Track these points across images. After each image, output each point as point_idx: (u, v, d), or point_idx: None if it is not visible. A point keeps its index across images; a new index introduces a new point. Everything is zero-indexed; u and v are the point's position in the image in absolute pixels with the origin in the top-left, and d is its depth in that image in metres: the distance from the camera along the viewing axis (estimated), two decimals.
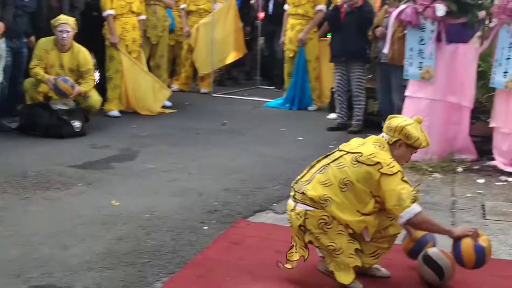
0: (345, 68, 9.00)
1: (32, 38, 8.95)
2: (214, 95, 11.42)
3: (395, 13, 7.61)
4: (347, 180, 4.26)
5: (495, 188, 6.71)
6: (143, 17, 9.96)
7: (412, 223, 4.24)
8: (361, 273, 4.50)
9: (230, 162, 7.47)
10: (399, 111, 7.95)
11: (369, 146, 4.35)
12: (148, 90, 9.85)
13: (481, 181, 6.92)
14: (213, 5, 11.39)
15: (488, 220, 5.77)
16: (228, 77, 12.78)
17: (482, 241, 4.28)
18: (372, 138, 4.45)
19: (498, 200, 6.33)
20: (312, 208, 4.32)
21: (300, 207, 4.36)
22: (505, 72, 6.95)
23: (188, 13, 11.55)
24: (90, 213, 5.66)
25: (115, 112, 9.65)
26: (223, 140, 8.50)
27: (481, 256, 4.27)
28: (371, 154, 4.26)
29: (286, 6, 10.53)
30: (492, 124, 7.33)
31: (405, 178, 4.23)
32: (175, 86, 11.69)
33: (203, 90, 11.70)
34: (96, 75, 9.91)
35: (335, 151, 4.51)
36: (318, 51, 10.36)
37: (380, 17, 8.52)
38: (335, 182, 4.30)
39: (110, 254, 4.80)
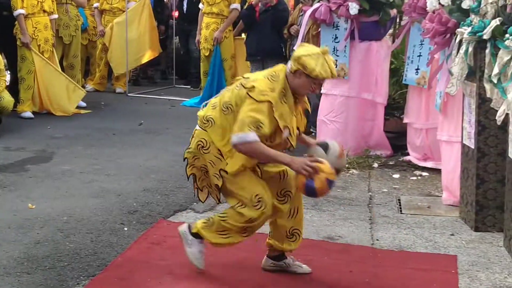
0: (261, 66, 9.04)
1: None
2: (130, 94, 11.33)
3: (309, 11, 7.71)
4: (229, 103, 4.31)
5: (410, 182, 6.88)
6: (55, 16, 9.80)
7: (242, 151, 4.21)
8: (282, 270, 4.56)
9: (148, 162, 7.43)
10: (314, 108, 8.07)
11: (261, 73, 4.44)
12: (62, 90, 9.69)
13: (396, 176, 7.09)
14: (127, 4, 11.29)
15: (404, 214, 5.92)
16: (143, 76, 12.69)
17: (317, 180, 4.18)
18: (276, 66, 4.43)
19: (413, 194, 6.50)
20: (199, 128, 4.50)
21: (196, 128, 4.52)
22: (417, 69, 7.12)
23: (102, 12, 11.42)
24: (5, 217, 5.54)
25: (28, 114, 9.46)
26: (140, 140, 8.44)
27: (311, 194, 4.29)
28: (254, 79, 4.30)
29: (201, 5, 10.53)
30: (405, 120, 7.51)
31: (276, 115, 4.18)
32: (89, 86, 11.54)
33: (118, 90, 11.59)
34: (8, 76, 9.69)
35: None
36: (233, 50, 10.40)
37: (295, 15, 8.63)
38: (220, 104, 4.36)
39: (28, 258, 4.72)
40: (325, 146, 4.46)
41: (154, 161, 7.47)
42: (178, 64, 12.41)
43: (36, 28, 9.50)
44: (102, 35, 11.34)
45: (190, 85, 11.97)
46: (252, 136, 4.14)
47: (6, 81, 8.80)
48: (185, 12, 11.94)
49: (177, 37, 12.53)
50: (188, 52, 12.00)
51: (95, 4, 11.36)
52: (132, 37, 11.32)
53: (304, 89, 4.32)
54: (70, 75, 10.25)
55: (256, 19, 9.00)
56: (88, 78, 11.88)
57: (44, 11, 9.57)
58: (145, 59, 11.79)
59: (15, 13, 9.33)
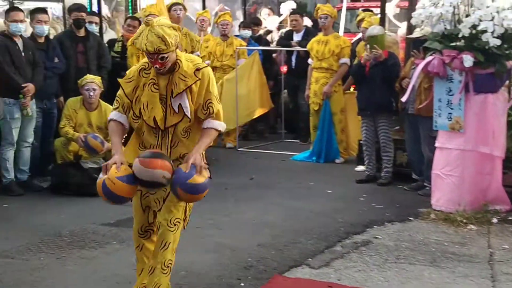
0: (372, 121, 9.00)
1: (61, 99, 9.06)
2: (240, 149, 11.45)
3: (421, 64, 7.65)
4: None
5: None
6: None
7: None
8: None
9: (261, 216, 7.46)
10: (428, 162, 7.96)
11: None
12: None
13: None
14: (237, 61, 11.48)
15: None
16: (253, 131, 12.82)
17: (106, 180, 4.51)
18: None
19: None
20: None
21: None
22: None
23: (213, 69, 11.60)
24: (126, 272, 5.66)
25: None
26: (253, 194, 8.49)
27: None
28: None
29: (310, 60, 10.61)
30: None
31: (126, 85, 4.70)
32: None
33: (228, 145, 11.73)
34: None
35: None
36: (343, 104, 10.39)
37: (407, 68, 8.56)
38: None
39: None
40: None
41: (267, 216, 7.49)
42: (287, 119, 12.48)
43: None
44: None
45: (299, 139, 11.99)
46: (113, 114, 4.75)
47: None
48: (293, 67, 12.04)
49: (286, 91, 12.63)
50: (297, 106, 12.07)
51: (206, 62, 11.60)
52: (242, 93, 11.47)
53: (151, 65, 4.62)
54: None
55: (366, 74, 8.98)
56: None
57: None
58: (255, 115, 11.90)
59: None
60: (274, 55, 12.94)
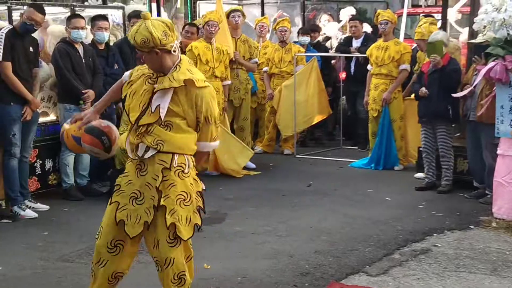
0: (431, 128, 8.87)
1: (120, 105, 9.15)
2: (297, 156, 11.41)
3: (483, 70, 7.51)
4: None
5: None
6: (227, 82, 10.08)
7: None
8: None
9: (318, 223, 7.41)
10: (490, 170, 7.81)
11: None
12: (230, 151, 9.89)
13: None
14: (295, 67, 11.45)
15: None
16: (311, 138, 12.77)
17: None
18: None
19: None
20: None
21: None
22: None
23: (271, 75, 11.65)
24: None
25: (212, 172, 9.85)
26: (310, 201, 8.45)
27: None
28: None
29: (369, 66, 10.53)
30: None
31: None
32: (258, 148, 11.75)
33: (286, 151, 11.70)
34: None
35: None
36: (402, 110, 10.26)
37: (469, 75, 8.41)
38: None
39: None
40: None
41: (324, 223, 7.44)
42: (345, 125, 12.41)
43: None
44: (271, 98, 11.55)
45: (358, 146, 11.91)
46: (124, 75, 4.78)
47: None
48: (352, 73, 11.97)
49: (344, 98, 12.55)
50: (356, 113, 11.99)
51: (265, 68, 11.61)
52: (300, 100, 11.44)
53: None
54: (240, 137, 10.49)
55: (424, 82, 8.86)
56: (257, 140, 12.08)
57: (216, 76, 9.87)
58: (313, 121, 11.85)
59: None
60: (332, 61, 12.88)
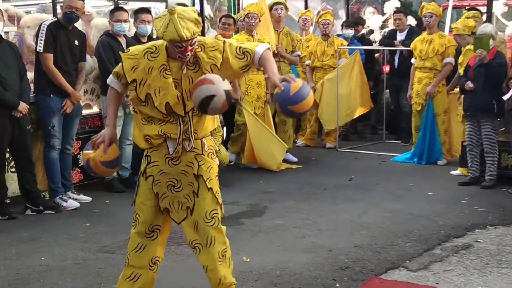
0: (476, 123, 8.75)
1: None
2: (339, 150, 11.36)
3: None
4: None
5: None
6: None
7: None
8: None
9: (359, 217, 7.37)
10: None
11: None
12: (267, 145, 9.85)
13: None
14: (338, 60, 11.39)
15: None
16: (353, 131, 12.70)
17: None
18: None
19: None
20: None
21: None
22: None
23: (313, 69, 11.61)
24: None
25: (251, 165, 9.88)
26: (351, 195, 8.40)
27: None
28: None
29: (413, 60, 10.42)
30: None
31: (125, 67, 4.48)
32: (300, 141, 11.73)
33: (328, 145, 11.66)
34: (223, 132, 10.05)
35: None
36: (446, 104, 10.14)
37: None
38: None
39: None
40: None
41: (365, 217, 7.40)
42: (388, 119, 12.31)
43: (248, 85, 9.83)
44: (313, 91, 11.50)
45: (401, 140, 11.81)
46: (110, 79, 4.61)
47: (222, 136, 9.12)
48: (396, 66, 11.87)
49: (388, 91, 12.46)
50: (399, 106, 11.89)
51: (307, 62, 11.57)
52: (343, 93, 11.38)
53: (173, 54, 4.37)
54: (282, 130, 10.48)
55: (470, 75, 8.74)
56: (299, 133, 12.07)
57: (258, 69, 9.85)
58: (356, 114, 11.80)
59: None
60: (376, 55, 12.79)
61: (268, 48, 4.56)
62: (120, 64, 4.54)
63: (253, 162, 9.90)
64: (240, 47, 4.51)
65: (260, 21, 9.95)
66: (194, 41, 4.35)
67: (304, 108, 4.32)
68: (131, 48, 4.61)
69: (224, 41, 4.52)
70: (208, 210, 4.61)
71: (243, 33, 9.98)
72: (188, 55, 4.36)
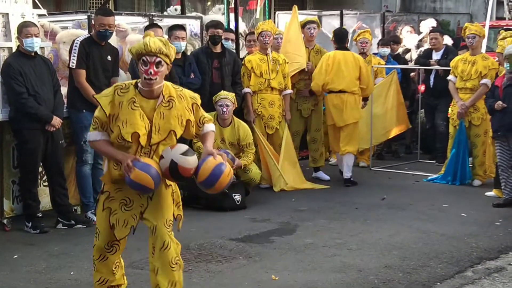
0: (506, 143, 8.64)
1: None
2: (373, 169, 11.28)
3: None
4: None
5: None
6: (288, 91, 9.92)
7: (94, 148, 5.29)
8: None
9: (390, 238, 7.30)
10: None
11: None
12: (275, 171, 9.75)
13: None
14: (374, 79, 11.32)
15: None
16: (387, 150, 12.61)
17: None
18: None
19: None
20: None
21: None
22: None
23: None
24: (249, 287, 5.65)
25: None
26: (383, 215, 8.33)
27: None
28: None
29: (451, 76, 10.22)
30: None
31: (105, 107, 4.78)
32: (333, 160, 11.66)
33: (362, 164, 11.58)
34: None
35: None
36: (487, 125, 9.93)
37: None
38: None
39: None
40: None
41: (397, 237, 7.32)
42: (424, 139, 12.21)
43: (260, 104, 9.76)
44: None
45: (436, 160, 11.68)
46: (92, 135, 4.89)
47: (254, 154, 9.10)
48: (431, 86, 11.78)
49: (423, 111, 12.36)
50: (434, 126, 11.78)
51: None
52: (378, 112, 11.30)
53: (143, 83, 4.77)
54: (313, 149, 10.44)
55: (499, 95, 8.64)
56: (332, 152, 11.99)
57: (272, 88, 9.80)
58: (392, 134, 11.68)
59: (242, 91, 9.69)
60: (412, 74, 12.71)
61: (213, 131, 5.12)
62: (99, 109, 4.86)
63: (268, 183, 9.83)
64: (202, 118, 5.00)
65: (273, 38, 9.92)
66: (158, 60, 4.73)
67: (219, 188, 4.92)
68: (104, 91, 5.00)
69: (197, 105, 4.96)
70: (167, 219, 4.93)
71: (257, 52, 9.92)
72: (153, 78, 4.72)
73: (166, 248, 4.87)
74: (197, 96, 5.01)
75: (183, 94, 4.91)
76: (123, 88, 4.83)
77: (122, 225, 4.95)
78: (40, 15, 8.16)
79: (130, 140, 4.75)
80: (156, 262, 4.91)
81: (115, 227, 4.96)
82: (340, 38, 10.45)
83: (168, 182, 4.96)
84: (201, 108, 5.00)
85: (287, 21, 10.83)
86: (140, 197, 4.90)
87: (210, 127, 5.05)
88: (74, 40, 7.80)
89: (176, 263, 4.91)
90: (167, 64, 4.79)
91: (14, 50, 7.55)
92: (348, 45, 12.77)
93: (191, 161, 4.77)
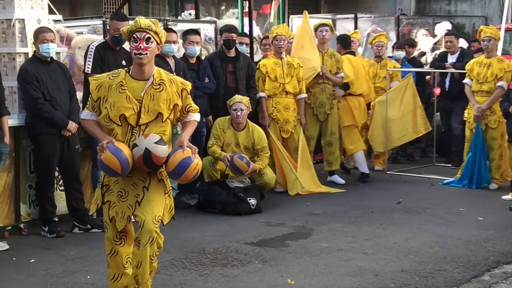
0: None
1: (210, 118, 9.23)
2: (388, 172, 11.24)
3: None
4: None
5: None
6: (302, 96, 9.92)
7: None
8: None
9: (406, 242, 7.26)
10: None
11: None
12: (291, 175, 9.72)
13: None
14: (390, 83, 11.28)
15: None
16: (403, 154, 12.57)
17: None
18: None
19: None
20: None
21: None
22: None
23: None
24: None
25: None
26: (399, 219, 8.29)
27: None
28: None
29: (467, 80, 10.19)
30: None
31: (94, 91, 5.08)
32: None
33: (377, 167, 11.55)
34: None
35: None
36: (504, 128, 9.90)
37: None
38: None
39: None
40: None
41: (413, 241, 7.29)
42: (439, 142, 12.17)
43: (275, 108, 9.75)
44: None
45: (451, 163, 11.64)
46: (83, 114, 5.21)
47: (268, 158, 9.09)
48: (447, 89, 11.74)
49: (438, 114, 12.32)
50: (450, 130, 11.74)
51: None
52: (394, 116, 11.24)
53: (132, 52, 5.01)
54: (328, 152, 10.41)
55: None
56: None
57: (287, 92, 9.79)
58: (408, 139, 11.61)
59: (257, 95, 9.69)
60: (427, 77, 12.67)
61: (197, 121, 5.30)
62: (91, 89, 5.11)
63: (283, 187, 9.81)
64: (189, 106, 5.18)
65: (288, 42, 9.91)
66: (148, 36, 4.96)
67: (185, 180, 5.16)
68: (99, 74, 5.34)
69: (186, 91, 5.14)
70: (156, 214, 5.03)
71: (271, 56, 9.91)
72: (143, 53, 4.93)
73: (151, 242, 5.00)
74: (188, 83, 5.19)
75: (174, 79, 5.12)
76: (115, 72, 5.11)
77: (120, 217, 5.09)
78: (55, 21, 8.18)
79: (119, 123, 4.98)
80: (139, 257, 5.04)
81: (115, 219, 5.11)
82: (348, 43, 10.69)
83: (160, 176, 5.12)
84: (190, 96, 5.19)
85: (299, 25, 10.81)
86: (134, 187, 5.06)
87: (194, 116, 5.23)
88: (89, 45, 7.83)
89: (156, 255, 5.13)
90: (157, 43, 5.01)
91: (30, 55, 7.59)
92: (363, 48, 12.84)
93: (163, 150, 4.96)
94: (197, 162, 5.07)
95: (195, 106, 5.23)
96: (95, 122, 5.16)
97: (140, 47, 4.92)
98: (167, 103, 5.03)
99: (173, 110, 5.08)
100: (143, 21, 4.99)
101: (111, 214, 5.13)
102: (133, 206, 5.07)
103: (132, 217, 5.12)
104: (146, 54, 4.94)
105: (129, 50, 8.10)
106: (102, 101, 5.04)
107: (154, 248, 5.05)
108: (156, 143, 4.93)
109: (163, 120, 5.03)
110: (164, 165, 5.03)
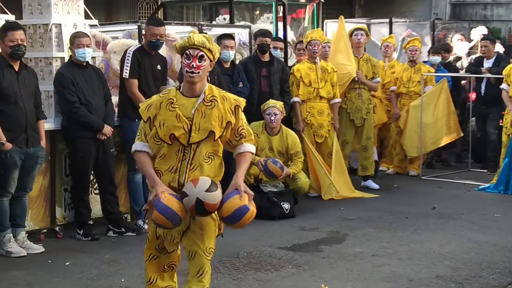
0: None
1: None
2: (423, 177, 11.16)
3: None
4: None
5: None
6: (336, 100, 9.89)
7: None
8: None
9: (441, 247, 7.21)
10: None
11: None
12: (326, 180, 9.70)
13: None
14: (424, 87, 11.22)
15: None
16: (437, 159, 12.48)
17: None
18: None
19: None
20: None
21: None
22: None
23: (398, 95, 11.46)
24: None
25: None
26: (434, 224, 8.23)
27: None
28: None
29: (505, 86, 10.08)
30: None
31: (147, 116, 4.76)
32: (388, 169, 11.57)
33: (411, 172, 11.48)
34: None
35: None
36: None
37: None
38: None
39: None
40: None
41: (448, 247, 7.23)
42: (475, 147, 12.06)
43: (309, 113, 9.74)
44: (397, 118, 11.38)
45: (487, 169, 11.53)
46: (135, 145, 4.81)
47: (302, 162, 9.08)
48: (482, 94, 11.64)
49: (474, 119, 12.22)
50: (485, 135, 11.64)
51: (392, 88, 11.45)
52: (428, 121, 11.17)
53: (183, 69, 4.71)
54: (364, 157, 10.37)
55: None
56: (382, 160, 11.91)
57: (321, 97, 9.77)
58: (442, 143, 11.53)
59: (291, 100, 9.68)
60: (463, 82, 12.57)
61: (252, 153, 4.84)
62: (142, 121, 4.83)
63: (317, 192, 9.77)
64: (241, 128, 4.78)
65: (322, 47, 9.90)
66: (201, 54, 4.66)
67: (239, 227, 4.79)
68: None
69: (240, 108, 4.77)
70: (208, 246, 4.80)
71: (305, 61, 9.90)
72: (196, 72, 4.64)
73: (201, 275, 4.79)
74: (241, 100, 4.84)
75: (227, 95, 4.79)
76: (166, 91, 4.85)
77: (170, 240, 4.85)
78: (91, 25, 8.27)
79: (169, 142, 4.69)
80: (192, 285, 4.81)
81: (162, 238, 4.88)
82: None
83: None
84: (243, 114, 4.82)
85: (334, 31, 10.78)
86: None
87: (249, 148, 4.82)
88: (126, 50, 7.89)
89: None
90: (210, 60, 4.72)
91: (66, 60, 7.67)
92: (397, 52, 12.77)
93: (216, 196, 4.59)
94: (252, 210, 4.68)
95: (249, 131, 4.83)
96: (147, 156, 4.79)
97: (193, 65, 4.63)
98: (219, 121, 4.67)
99: (225, 129, 4.72)
100: (197, 37, 4.70)
101: (158, 233, 4.86)
102: (179, 233, 4.82)
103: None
104: (199, 73, 4.64)
105: (163, 55, 8.25)
106: (152, 120, 4.74)
107: (204, 282, 4.81)
108: (207, 190, 4.54)
109: (215, 139, 4.68)
110: (217, 209, 4.67)
